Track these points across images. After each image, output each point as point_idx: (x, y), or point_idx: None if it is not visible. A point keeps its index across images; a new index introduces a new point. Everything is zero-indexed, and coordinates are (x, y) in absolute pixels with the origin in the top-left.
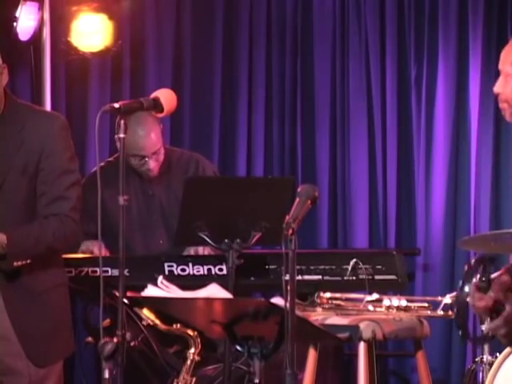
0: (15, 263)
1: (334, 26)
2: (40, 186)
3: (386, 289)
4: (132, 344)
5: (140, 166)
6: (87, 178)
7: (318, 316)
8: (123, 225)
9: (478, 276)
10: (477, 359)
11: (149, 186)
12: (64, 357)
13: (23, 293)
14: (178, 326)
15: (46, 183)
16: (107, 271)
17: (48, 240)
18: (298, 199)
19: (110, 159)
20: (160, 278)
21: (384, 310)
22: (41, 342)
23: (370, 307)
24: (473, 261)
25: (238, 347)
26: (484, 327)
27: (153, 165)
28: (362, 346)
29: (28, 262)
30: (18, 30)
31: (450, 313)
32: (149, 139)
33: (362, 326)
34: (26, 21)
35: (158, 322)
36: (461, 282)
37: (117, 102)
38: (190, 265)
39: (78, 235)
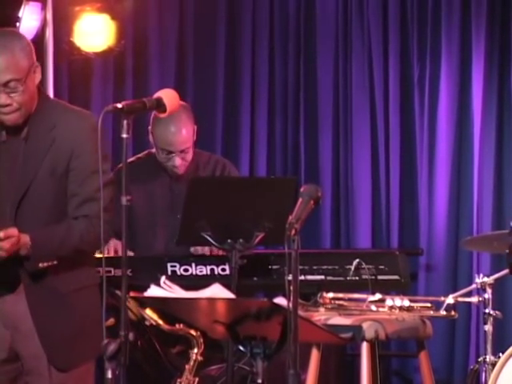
0: (40, 264)
1: (337, 26)
2: (70, 187)
3: (389, 289)
4: (135, 344)
5: (166, 161)
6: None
7: (320, 316)
8: (126, 225)
9: None
10: (479, 359)
11: (176, 184)
12: (87, 361)
13: (48, 293)
14: (181, 326)
15: (76, 184)
16: (110, 271)
17: (75, 242)
18: (300, 199)
19: (140, 155)
20: (163, 278)
21: (387, 310)
22: (63, 345)
23: (373, 307)
24: None
25: (241, 347)
26: (487, 327)
27: (179, 162)
28: (364, 346)
29: (54, 263)
30: (21, 30)
31: (452, 313)
32: (179, 136)
33: (364, 326)
34: (28, 21)
35: (160, 322)
36: None
37: (119, 102)
38: (193, 265)
39: (107, 236)
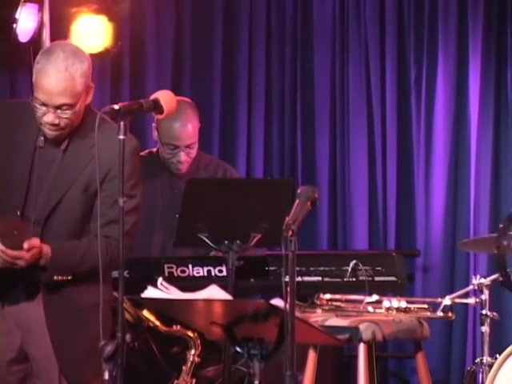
0: (55, 277)
1: (334, 28)
2: (99, 207)
3: (386, 290)
4: (132, 345)
5: (171, 157)
6: None
7: (317, 317)
8: (122, 226)
9: None
10: (476, 360)
11: (176, 184)
12: (97, 379)
13: (66, 306)
14: (178, 327)
15: (105, 205)
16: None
17: (92, 260)
18: (297, 200)
19: (142, 153)
20: (160, 280)
21: (384, 312)
22: (77, 360)
23: (370, 308)
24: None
25: (238, 349)
26: (484, 329)
27: (184, 158)
28: (361, 348)
29: (69, 278)
30: (18, 31)
31: (449, 314)
32: (185, 130)
33: (361, 327)
34: (25, 22)
35: (158, 323)
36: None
37: (116, 103)
38: (190, 266)
39: (126, 259)
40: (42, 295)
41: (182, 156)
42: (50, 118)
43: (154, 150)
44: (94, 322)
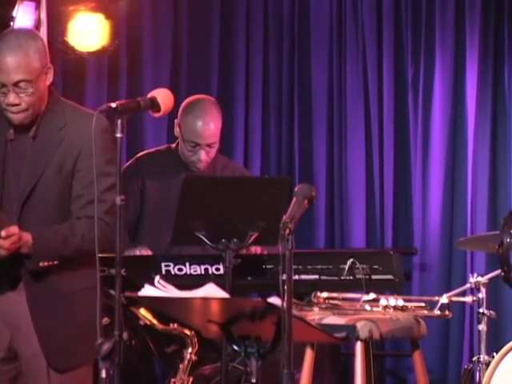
0: (41, 263)
1: (331, 27)
2: (76, 188)
3: (383, 288)
4: (129, 343)
5: (191, 155)
6: (125, 168)
7: (314, 316)
8: (120, 224)
9: None
10: (474, 359)
11: None
12: (86, 363)
13: (49, 293)
14: (175, 325)
15: (81, 185)
16: (104, 270)
17: (76, 242)
18: (295, 199)
19: (159, 148)
20: (157, 278)
21: (381, 310)
22: (62, 346)
23: (367, 307)
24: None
25: (235, 347)
26: (481, 327)
27: (203, 156)
28: (358, 346)
29: (55, 263)
30: None
31: (446, 312)
32: (208, 128)
33: (358, 325)
34: (22, 20)
35: (155, 321)
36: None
37: (113, 101)
38: (187, 264)
39: (110, 239)
40: (24, 285)
41: (202, 154)
42: (10, 98)
43: (173, 145)
44: (80, 307)
